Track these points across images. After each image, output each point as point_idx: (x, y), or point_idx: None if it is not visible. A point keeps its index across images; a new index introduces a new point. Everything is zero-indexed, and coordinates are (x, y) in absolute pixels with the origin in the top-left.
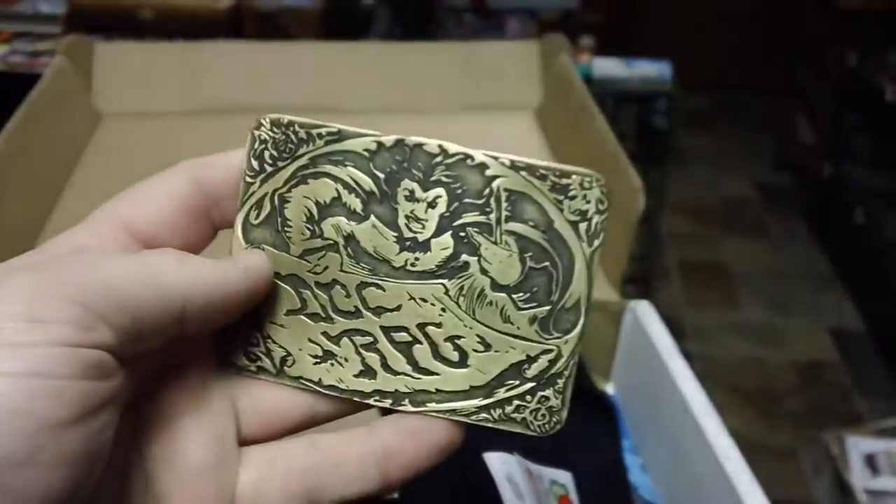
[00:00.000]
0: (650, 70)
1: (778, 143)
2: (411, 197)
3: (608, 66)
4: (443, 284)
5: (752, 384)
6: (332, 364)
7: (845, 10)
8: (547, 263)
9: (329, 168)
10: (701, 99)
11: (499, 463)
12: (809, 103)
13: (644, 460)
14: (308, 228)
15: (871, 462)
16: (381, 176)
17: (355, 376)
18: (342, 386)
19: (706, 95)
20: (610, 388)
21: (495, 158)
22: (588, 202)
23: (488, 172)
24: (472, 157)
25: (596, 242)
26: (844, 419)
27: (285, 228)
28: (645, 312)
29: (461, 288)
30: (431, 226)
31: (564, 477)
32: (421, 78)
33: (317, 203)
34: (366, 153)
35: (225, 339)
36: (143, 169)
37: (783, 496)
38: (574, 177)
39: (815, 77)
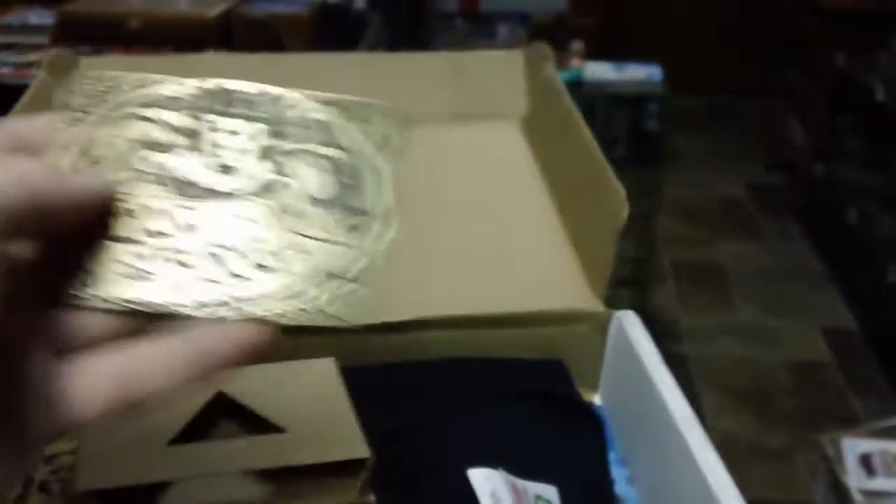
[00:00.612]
0: (641, 73)
1: (770, 144)
2: (230, 132)
3: (599, 70)
4: (264, 203)
5: (746, 385)
6: (148, 282)
7: (835, 10)
8: (358, 181)
9: (141, 110)
10: (693, 101)
11: (483, 479)
12: (800, 104)
13: (631, 472)
14: (120, 163)
15: (866, 462)
16: (196, 114)
17: (171, 290)
18: (158, 301)
19: (698, 98)
20: (597, 399)
21: (309, 96)
22: (390, 127)
23: (303, 106)
24: (287, 96)
25: (398, 160)
26: (839, 419)
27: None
28: (631, 322)
29: (279, 205)
30: (252, 155)
31: (549, 491)
32: (407, 87)
33: (127, 140)
34: (185, 96)
35: (48, 272)
36: None
37: (779, 497)
38: (375, 107)
39: (805, 78)
